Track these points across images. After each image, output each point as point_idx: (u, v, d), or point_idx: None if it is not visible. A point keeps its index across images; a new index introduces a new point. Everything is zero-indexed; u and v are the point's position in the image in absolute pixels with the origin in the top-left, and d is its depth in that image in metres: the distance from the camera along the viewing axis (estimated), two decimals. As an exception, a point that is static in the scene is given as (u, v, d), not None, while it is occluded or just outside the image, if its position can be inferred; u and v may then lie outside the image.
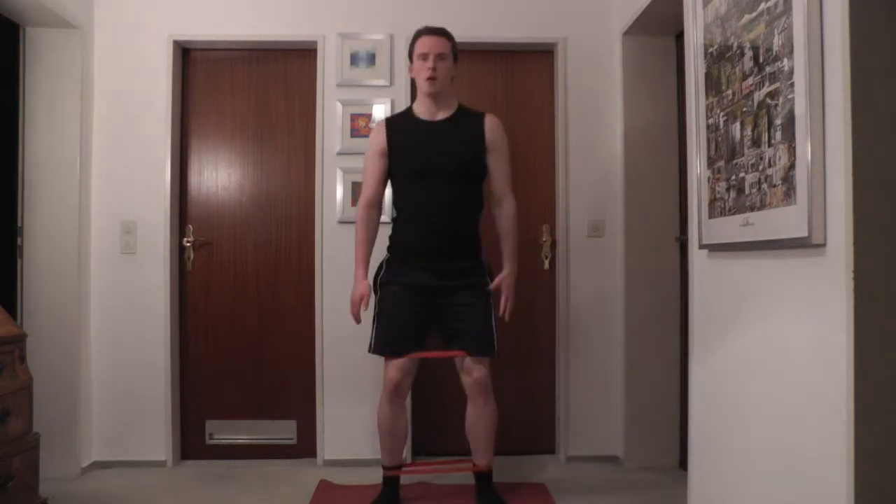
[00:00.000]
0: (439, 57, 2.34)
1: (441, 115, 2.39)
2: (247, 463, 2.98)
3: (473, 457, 2.42)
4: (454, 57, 2.42)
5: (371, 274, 2.43)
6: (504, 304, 2.37)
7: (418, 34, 2.41)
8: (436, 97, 2.37)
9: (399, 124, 2.43)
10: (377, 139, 2.41)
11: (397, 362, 2.31)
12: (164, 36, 2.97)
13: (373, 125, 2.99)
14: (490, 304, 2.36)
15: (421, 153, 2.35)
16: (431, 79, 2.32)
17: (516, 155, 3.11)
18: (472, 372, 2.31)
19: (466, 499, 2.45)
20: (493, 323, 2.34)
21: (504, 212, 2.44)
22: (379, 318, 2.36)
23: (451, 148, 2.34)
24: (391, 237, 2.46)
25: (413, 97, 3.05)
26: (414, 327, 2.33)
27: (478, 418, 2.37)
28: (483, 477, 2.41)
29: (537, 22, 3.04)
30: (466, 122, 2.40)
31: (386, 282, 2.38)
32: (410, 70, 2.46)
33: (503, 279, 2.37)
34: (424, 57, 2.34)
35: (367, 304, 2.38)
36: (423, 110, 2.40)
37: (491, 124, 2.42)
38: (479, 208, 2.44)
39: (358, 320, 2.41)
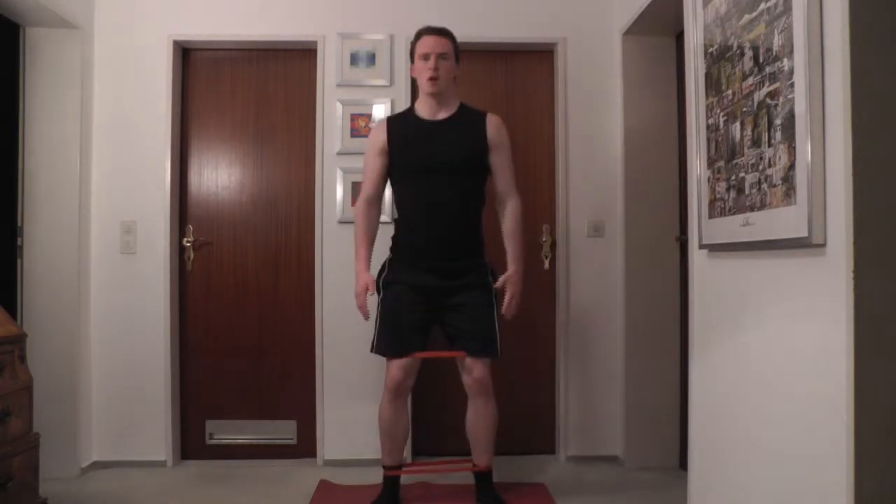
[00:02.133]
0: (441, 57, 2.33)
1: (442, 115, 2.39)
2: (247, 463, 2.98)
3: (473, 456, 2.42)
4: (456, 57, 2.42)
5: (374, 273, 2.43)
6: (508, 302, 2.36)
7: (420, 34, 2.40)
8: (437, 97, 2.37)
9: (400, 123, 2.43)
10: (378, 137, 2.41)
11: (399, 362, 2.31)
12: (164, 36, 2.97)
13: (373, 125, 2.99)
14: (493, 304, 2.36)
15: (422, 152, 2.34)
16: (433, 79, 2.32)
17: (516, 155, 3.10)
18: (473, 371, 2.31)
19: (466, 499, 2.45)
20: (496, 323, 2.34)
21: (509, 211, 2.43)
22: (381, 318, 2.36)
23: (453, 146, 2.33)
24: (393, 237, 2.46)
25: (414, 97, 3.06)
26: (416, 327, 2.32)
27: (478, 418, 2.37)
28: (483, 477, 2.41)
29: (537, 22, 3.04)
30: (468, 121, 2.40)
31: (388, 282, 2.38)
32: (412, 70, 2.46)
33: (508, 278, 2.37)
34: (426, 57, 2.34)
35: (372, 291, 2.36)
36: (424, 110, 2.40)
37: (493, 123, 2.41)
38: (482, 208, 2.43)
39: (365, 314, 2.40)
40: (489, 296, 2.36)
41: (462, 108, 2.43)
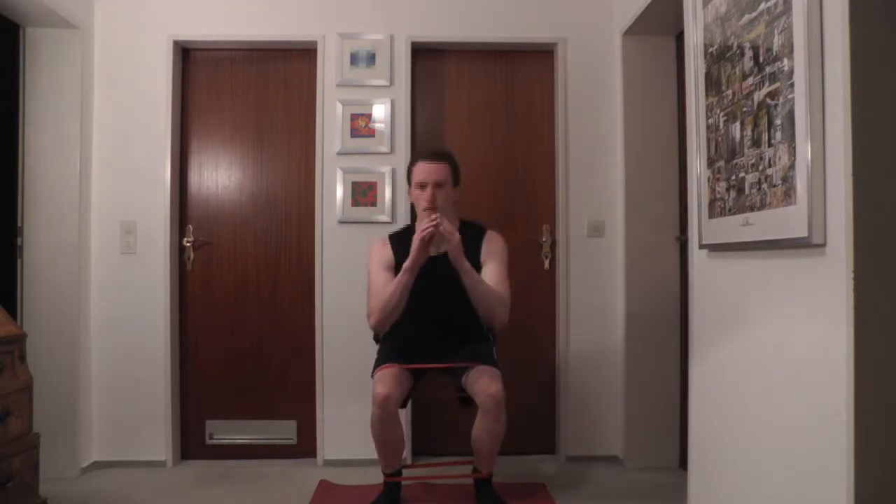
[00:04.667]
0: (437, 185, 2.29)
1: (444, 247, 2.26)
2: (247, 463, 2.98)
3: (476, 463, 2.39)
4: (455, 180, 2.37)
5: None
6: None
7: (415, 159, 2.38)
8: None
9: (403, 243, 2.36)
10: (383, 253, 2.39)
11: (382, 375, 2.25)
12: (164, 36, 2.97)
13: (373, 125, 3.00)
14: (491, 346, 2.38)
15: (423, 281, 2.28)
16: (429, 209, 2.28)
17: (516, 155, 3.13)
18: (488, 387, 2.20)
19: (466, 499, 2.45)
20: (494, 357, 2.37)
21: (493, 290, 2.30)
22: (379, 355, 2.40)
23: (450, 280, 2.26)
24: (385, 334, 2.45)
25: (414, 99, 3.07)
26: (411, 357, 2.35)
27: (488, 432, 2.27)
28: (483, 481, 2.40)
29: (537, 22, 3.04)
30: (466, 243, 2.28)
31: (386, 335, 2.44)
32: (409, 194, 2.42)
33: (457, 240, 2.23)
34: (422, 186, 2.30)
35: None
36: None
37: (488, 241, 2.37)
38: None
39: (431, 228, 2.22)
40: (487, 343, 2.39)
41: (462, 228, 2.36)
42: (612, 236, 3.02)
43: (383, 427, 2.25)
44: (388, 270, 2.36)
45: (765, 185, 1.57)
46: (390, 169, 2.98)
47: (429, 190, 2.29)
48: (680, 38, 2.76)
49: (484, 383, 2.22)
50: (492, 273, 2.32)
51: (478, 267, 2.32)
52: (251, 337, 3.07)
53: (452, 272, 2.25)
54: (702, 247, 1.96)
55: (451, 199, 2.36)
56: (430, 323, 2.38)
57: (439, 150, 2.40)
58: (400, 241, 2.39)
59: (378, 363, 2.35)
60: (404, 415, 2.79)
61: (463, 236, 2.27)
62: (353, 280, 2.91)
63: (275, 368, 3.07)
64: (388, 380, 2.23)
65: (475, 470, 2.40)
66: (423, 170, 2.32)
